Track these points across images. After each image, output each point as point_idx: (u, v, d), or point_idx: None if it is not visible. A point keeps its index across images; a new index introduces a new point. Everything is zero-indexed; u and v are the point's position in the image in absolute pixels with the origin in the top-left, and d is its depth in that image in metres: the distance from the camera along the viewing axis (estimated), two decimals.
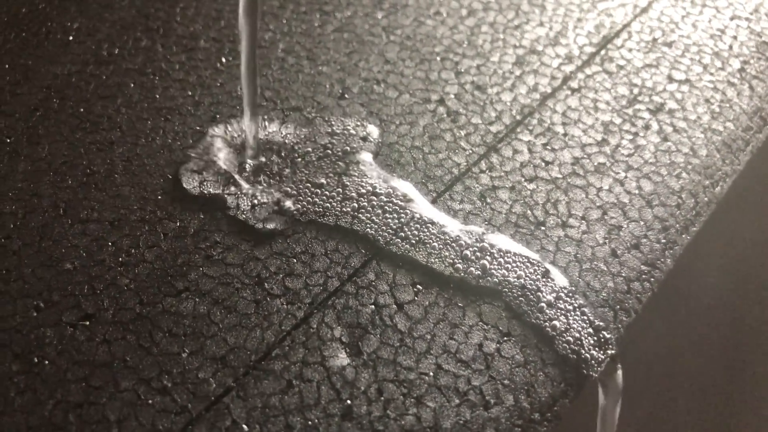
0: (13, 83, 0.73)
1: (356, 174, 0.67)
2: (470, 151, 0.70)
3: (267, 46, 0.77)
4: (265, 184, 0.64)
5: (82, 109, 0.71)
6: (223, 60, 0.76)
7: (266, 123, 0.70)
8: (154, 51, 0.76)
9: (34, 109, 0.71)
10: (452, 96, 0.74)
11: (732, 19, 0.83)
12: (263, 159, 0.66)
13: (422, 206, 0.65)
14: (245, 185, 0.64)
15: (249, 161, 0.66)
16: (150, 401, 0.53)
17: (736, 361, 0.95)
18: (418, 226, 0.63)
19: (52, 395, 0.53)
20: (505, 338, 0.58)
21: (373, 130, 0.69)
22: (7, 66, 0.74)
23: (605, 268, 0.62)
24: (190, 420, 0.53)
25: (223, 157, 0.67)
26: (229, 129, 0.70)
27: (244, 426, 0.52)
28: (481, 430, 0.54)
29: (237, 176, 0.65)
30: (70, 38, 0.77)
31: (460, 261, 0.61)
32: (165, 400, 0.53)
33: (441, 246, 0.62)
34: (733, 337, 0.95)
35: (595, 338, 0.58)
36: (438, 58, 0.77)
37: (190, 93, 0.73)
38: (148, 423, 0.52)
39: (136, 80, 0.74)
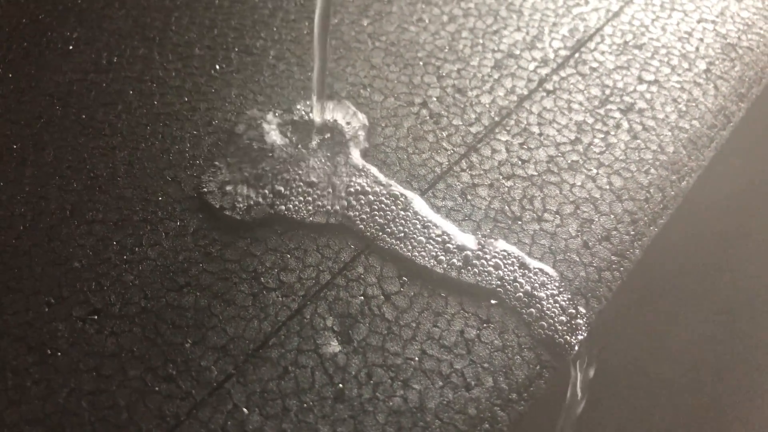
0: (18, 91, 0.77)
1: (345, 174, 0.71)
2: (452, 151, 0.74)
3: (258, 53, 0.81)
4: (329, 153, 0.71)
5: (84, 116, 0.75)
6: (217, 67, 0.80)
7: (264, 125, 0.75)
8: (151, 59, 0.80)
9: (39, 117, 0.75)
10: (434, 99, 0.78)
11: (699, 22, 0.88)
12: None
13: (407, 203, 0.69)
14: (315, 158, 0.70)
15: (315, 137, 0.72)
16: (157, 388, 0.57)
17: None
18: (404, 222, 0.68)
19: (66, 384, 0.57)
20: (485, 325, 0.62)
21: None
22: (10, 75, 0.78)
23: (578, 259, 0.67)
24: (194, 405, 0.57)
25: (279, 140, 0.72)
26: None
27: (245, 409, 0.57)
28: (463, 410, 0.58)
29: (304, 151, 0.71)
30: (71, 47, 0.81)
31: (443, 253, 0.66)
32: (171, 386, 0.58)
33: (425, 240, 0.67)
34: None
35: (568, 324, 0.63)
36: (421, 63, 0.82)
37: (186, 99, 0.77)
38: (155, 408, 0.56)
39: (134, 87, 0.78)
